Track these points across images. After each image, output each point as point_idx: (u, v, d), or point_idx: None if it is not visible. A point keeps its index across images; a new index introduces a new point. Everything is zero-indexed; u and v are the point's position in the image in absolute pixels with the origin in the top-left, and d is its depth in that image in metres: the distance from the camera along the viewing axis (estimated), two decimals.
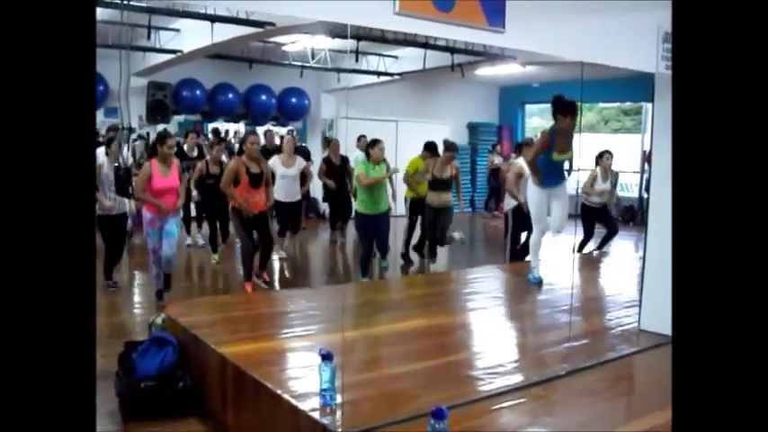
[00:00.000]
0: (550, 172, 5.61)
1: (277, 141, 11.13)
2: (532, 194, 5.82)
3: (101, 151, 6.65)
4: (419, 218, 8.33)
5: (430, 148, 8.48)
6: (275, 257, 8.52)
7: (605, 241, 8.57)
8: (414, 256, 8.77)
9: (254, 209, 6.42)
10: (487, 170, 15.51)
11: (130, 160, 7.98)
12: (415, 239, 8.76)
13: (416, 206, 8.35)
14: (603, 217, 8.41)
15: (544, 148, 5.46)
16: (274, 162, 8.16)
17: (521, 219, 7.24)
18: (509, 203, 7.60)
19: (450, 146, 7.84)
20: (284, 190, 8.16)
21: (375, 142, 7.05)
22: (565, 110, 5.29)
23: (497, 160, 15.12)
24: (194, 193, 8.30)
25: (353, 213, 7.10)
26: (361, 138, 10.80)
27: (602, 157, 8.36)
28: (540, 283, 5.75)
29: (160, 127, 12.23)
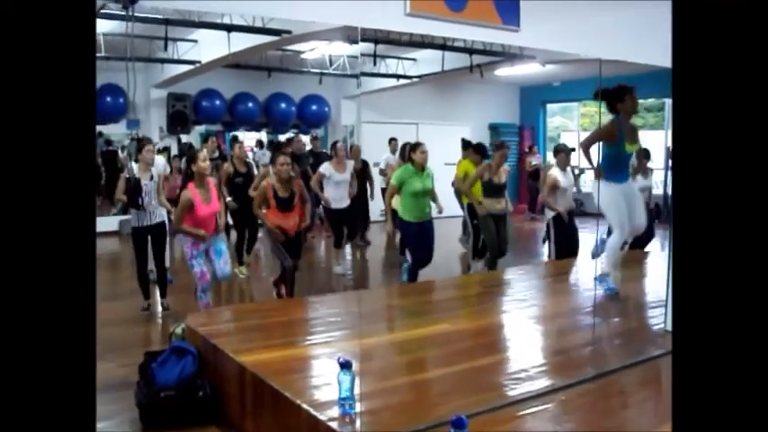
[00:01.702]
0: (623, 166, 5.17)
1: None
2: (607, 194, 5.15)
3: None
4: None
5: (477, 148, 8.24)
6: (336, 271, 8.32)
7: (643, 245, 8.42)
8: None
9: (285, 232, 6.06)
10: (527, 171, 15.42)
11: (167, 169, 7.85)
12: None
13: (474, 210, 7.80)
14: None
15: (605, 137, 5.08)
16: (327, 169, 8.11)
17: (562, 227, 7.15)
18: (549, 212, 7.33)
19: (501, 144, 7.54)
20: (337, 195, 8.08)
21: (417, 145, 6.57)
22: (621, 95, 4.96)
23: (535, 161, 14.99)
24: (229, 199, 7.67)
25: (398, 220, 6.62)
26: (392, 140, 10.71)
27: (638, 156, 8.24)
28: (616, 294, 5.21)
29: (184, 138, 12.40)
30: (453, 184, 8.32)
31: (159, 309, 6.53)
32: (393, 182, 6.57)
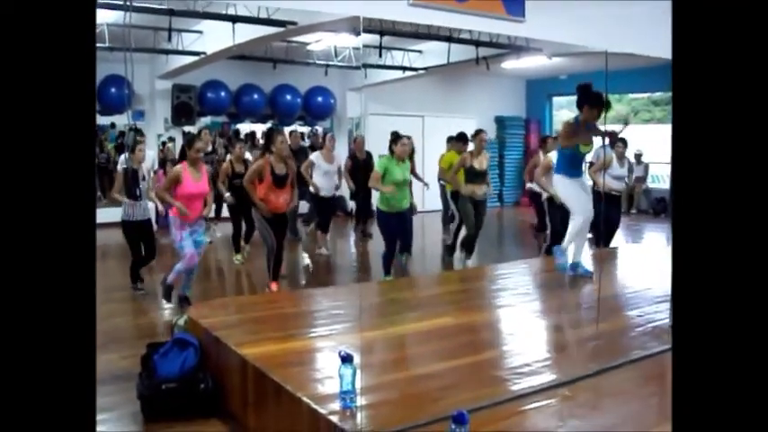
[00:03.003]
0: (577, 164, 5.64)
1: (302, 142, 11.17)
2: (565, 187, 5.69)
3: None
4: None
5: (459, 137, 8.73)
6: (320, 252, 8.82)
7: (607, 237, 8.46)
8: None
9: (273, 209, 6.33)
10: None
11: (155, 164, 8.06)
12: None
13: (458, 197, 8.21)
14: (615, 206, 8.31)
15: (573, 136, 5.42)
16: (317, 158, 8.65)
17: (556, 212, 7.34)
18: (544, 193, 7.68)
19: (479, 131, 7.96)
20: (326, 185, 8.59)
21: (398, 138, 6.72)
22: (594, 101, 5.20)
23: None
24: (227, 194, 8.12)
25: (375, 210, 6.86)
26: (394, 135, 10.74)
27: (614, 145, 8.38)
28: (588, 274, 5.68)
29: (190, 129, 12.39)
30: (438, 175, 8.74)
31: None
32: (377, 168, 6.78)
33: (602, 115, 5.40)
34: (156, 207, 6.79)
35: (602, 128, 5.52)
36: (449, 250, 8.77)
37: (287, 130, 12.88)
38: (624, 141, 8.44)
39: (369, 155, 9.85)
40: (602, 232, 8.75)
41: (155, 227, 7.39)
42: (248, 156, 8.68)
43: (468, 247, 7.82)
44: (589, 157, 6.55)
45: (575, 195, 5.66)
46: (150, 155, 8.06)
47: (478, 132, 7.84)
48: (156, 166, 8.11)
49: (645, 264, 7.05)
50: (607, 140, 8.62)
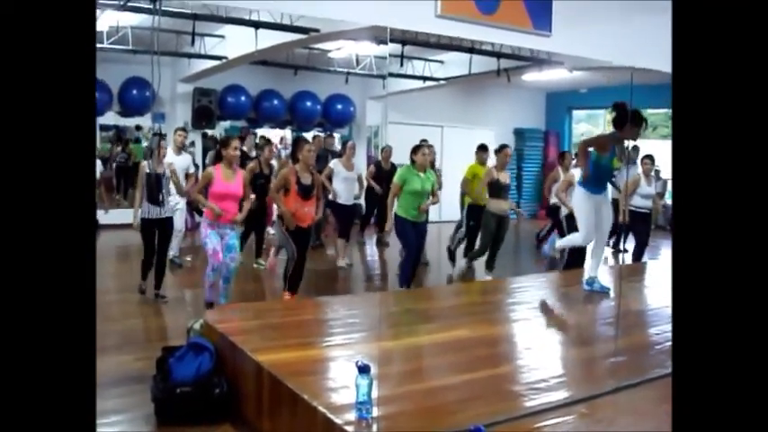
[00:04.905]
0: (605, 178, 5.62)
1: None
2: (581, 201, 5.61)
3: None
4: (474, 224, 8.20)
5: (483, 147, 8.69)
6: (339, 264, 8.66)
7: (638, 254, 8.40)
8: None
9: (299, 222, 6.12)
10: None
11: (191, 168, 8.09)
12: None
13: (474, 212, 8.17)
14: (645, 223, 8.26)
15: (599, 144, 5.44)
16: (336, 165, 8.63)
17: (574, 228, 7.28)
18: (564, 209, 7.69)
19: (503, 146, 7.95)
20: (345, 192, 8.58)
21: (418, 147, 6.66)
22: (637, 120, 5.15)
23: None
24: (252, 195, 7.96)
25: (394, 217, 6.74)
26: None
27: (643, 162, 8.36)
28: (605, 291, 5.58)
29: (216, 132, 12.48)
30: (461, 185, 8.67)
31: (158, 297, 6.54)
32: (396, 180, 6.74)
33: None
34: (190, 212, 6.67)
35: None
36: (451, 254, 8.73)
37: (307, 136, 13.00)
38: (651, 158, 8.40)
39: (393, 166, 9.82)
40: (620, 249, 8.73)
41: (182, 227, 7.34)
42: (273, 162, 8.69)
43: (490, 262, 7.78)
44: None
45: (585, 215, 5.56)
46: (188, 157, 8.05)
47: (503, 147, 7.84)
48: (192, 169, 8.07)
49: (663, 280, 6.98)
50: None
